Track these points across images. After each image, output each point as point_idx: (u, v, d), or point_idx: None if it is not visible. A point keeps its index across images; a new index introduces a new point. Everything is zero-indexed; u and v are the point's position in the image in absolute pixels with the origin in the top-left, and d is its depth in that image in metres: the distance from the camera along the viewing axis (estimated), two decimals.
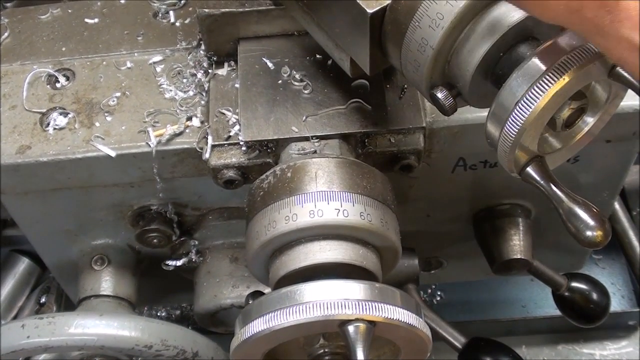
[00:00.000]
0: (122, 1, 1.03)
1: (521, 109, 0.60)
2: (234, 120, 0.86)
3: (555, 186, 0.63)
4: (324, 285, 0.68)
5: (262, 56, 0.90)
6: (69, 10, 1.02)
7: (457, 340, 1.05)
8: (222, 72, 0.92)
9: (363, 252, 0.76)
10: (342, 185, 0.76)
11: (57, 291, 1.43)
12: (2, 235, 1.42)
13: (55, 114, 0.91)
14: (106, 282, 1.05)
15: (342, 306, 0.66)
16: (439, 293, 1.49)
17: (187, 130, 0.89)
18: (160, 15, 1.01)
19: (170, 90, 0.92)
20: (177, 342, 0.96)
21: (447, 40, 0.65)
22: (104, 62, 0.96)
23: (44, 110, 0.91)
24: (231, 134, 0.86)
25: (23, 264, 1.46)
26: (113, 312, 1.02)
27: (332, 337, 0.75)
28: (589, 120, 0.68)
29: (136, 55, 0.96)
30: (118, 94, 0.92)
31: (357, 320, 0.66)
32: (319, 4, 0.76)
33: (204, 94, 0.91)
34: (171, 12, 1.00)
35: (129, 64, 0.95)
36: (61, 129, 0.90)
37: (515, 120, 0.61)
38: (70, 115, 0.91)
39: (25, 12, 1.03)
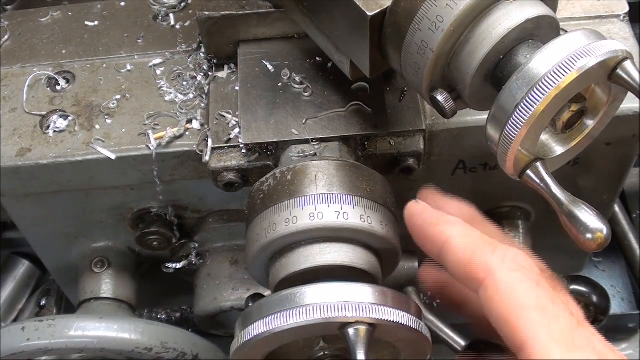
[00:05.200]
0: (122, 4, 1.03)
1: (521, 112, 0.60)
2: (234, 123, 0.86)
3: (555, 189, 0.63)
4: (324, 287, 0.68)
5: (262, 59, 0.90)
6: (69, 13, 1.03)
7: (457, 342, 1.05)
8: (222, 74, 0.92)
9: (363, 255, 0.76)
10: (342, 188, 0.76)
11: (57, 294, 1.44)
12: (2, 237, 1.42)
13: (55, 117, 0.91)
14: (106, 285, 1.05)
15: (342, 309, 0.66)
16: (438, 296, 1.49)
17: (187, 133, 0.89)
18: (160, 18, 1.01)
19: (170, 93, 0.92)
20: (177, 345, 0.96)
21: (447, 42, 0.65)
22: (104, 65, 0.96)
23: (44, 113, 0.91)
24: (231, 136, 0.86)
25: (23, 267, 1.46)
26: (113, 315, 1.02)
27: (332, 339, 0.75)
28: (589, 123, 0.68)
29: (136, 57, 0.96)
30: (118, 97, 0.92)
31: (357, 322, 0.66)
32: (319, 6, 0.76)
33: (204, 96, 0.91)
34: (171, 15, 1.00)
35: (129, 67, 0.95)
36: (61, 131, 0.90)
37: (515, 123, 0.61)
38: (70, 118, 0.91)
39: (26, 15, 1.03)
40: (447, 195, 0.74)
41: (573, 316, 0.58)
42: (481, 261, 0.61)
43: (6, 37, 1.00)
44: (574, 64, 0.59)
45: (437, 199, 0.74)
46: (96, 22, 1.01)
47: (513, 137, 0.62)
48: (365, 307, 0.67)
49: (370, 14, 0.69)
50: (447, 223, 0.66)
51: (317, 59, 0.89)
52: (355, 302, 0.67)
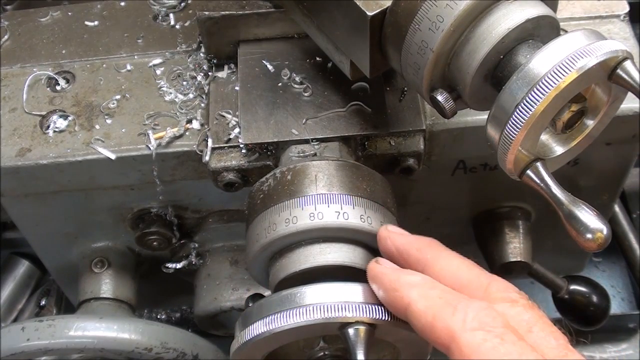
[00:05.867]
0: (122, 4, 1.03)
1: (521, 112, 0.60)
2: (234, 123, 0.86)
3: (555, 189, 0.63)
4: (324, 287, 0.68)
5: (262, 59, 0.90)
6: (69, 13, 1.03)
7: None
8: (222, 74, 0.92)
9: (363, 255, 0.76)
10: (342, 188, 0.76)
11: (57, 294, 1.43)
12: (2, 237, 1.42)
13: (55, 117, 0.91)
14: (106, 285, 1.05)
15: (342, 309, 0.66)
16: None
17: (187, 133, 0.89)
18: (160, 18, 1.01)
19: (170, 93, 0.92)
20: (177, 345, 0.96)
21: (447, 42, 0.65)
22: (104, 65, 0.96)
23: (44, 113, 0.91)
24: (231, 136, 0.86)
25: (23, 267, 1.46)
26: (113, 315, 1.02)
27: (332, 339, 0.75)
28: (589, 123, 0.68)
29: (136, 57, 0.96)
30: (118, 97, 0.92)
31: (357, 322, 0.66)
32: (319, 6, 0.76)
33: (204, 96, 0.91)
34: (171, 15, 1.00)
35: (129, 67, 0.95)
36: (61, 131, 0.90)
37: (515, 123, 0.61)
38: (70, 118, 0.91)
39: (26, 15, 1.03)
40: (407, 233, 0.73)
41: None
42: (443, 326, 0.59)
43: (6, 37, 1.00)
44: (574, 64, 0.59)
45: (397, 238, 0.72)
46: (96, 22, 1.01)
47: (513, 137, 0.62)
48: (366, 307, 0.67)
49: (370, 14, 0.69)
50: (407, 286, 0.64)
51: (317, 59, 0.89)
52: (355, 302, 0.67)
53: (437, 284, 0.64)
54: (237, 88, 0.89)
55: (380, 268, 0.69)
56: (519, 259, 1.05)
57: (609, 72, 0.61)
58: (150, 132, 0.88)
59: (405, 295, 0.64)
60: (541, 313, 0.62)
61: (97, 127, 0.90)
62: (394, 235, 0.72)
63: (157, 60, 0.96)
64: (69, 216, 0.99)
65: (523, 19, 0.64)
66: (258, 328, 0.68)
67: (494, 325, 0.58)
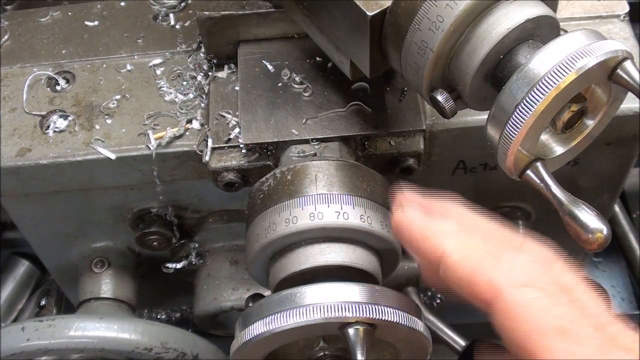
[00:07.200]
0: (122, 4, 1.03)
1: (521, 112, 0.60)
2: (234, 123, 0.86)
3: (555, 189, 0.63)
4: (324, 287, 0.68)
5: (262, 59, 0.90)
6: (69, 13, 1.03)
7: (457, 342, 1.05)
8: (222, 74, 0.92)
9: (363, 255, 0.76)
10: (342, 188, 0.76)
11: (57, 294, 1.43)
12: (2, 237, 1.42)
13: (55, 117, 0.91)
14: (106, 285, 1.05)
15: (342, 309, 0.66)
16: (439, 295, 1.49)
17: (187, 133, 0.89)
18: (160, 18, 1.01)
19: (170, 93, 0.92)
20: (177, 345, 0.96)
21: (447, 42, 0.65)
22: (104, 65, 0.96)
23: (44, 113, 0.91)
24: (231, 136, 0.86)
25: (23, 267, 1.46)
26: (113, 315, 1.02)
27: (332, 339, 0.75)
28: (589, 123, 0.68)
29: (136, 57, 0.96)
30: (118, 97, 0.92)
31: (357, 322, 0.66)
32: (319, 6, 0.76)
33: (204, 96, 0.91)
34: (171, 15, 1.00)
35: (129, 67, 0.95)
36: (61, 131, 0.90)
37: (515, 123, 0.61)
38: (70, 118, 0.91)
39: (26, 15, 1.03)
40: (431, 195, 0.64)
41: (598, 330, 0.49)
42: (485, 279, 0.51)
43: (6, 37, 1.00)
44: (574, 64, 0.59)
45: (421, 203, 0.64)
46: (96, 22, 1.01)
47: (513, 137, 0.62)
48: (366, 307, 0.67)
49: (370, 14, 0.69)
50: (439, 234, 0.56)
51: (317, 59, 0.89)
52: (355, 302, 0.67)
53: (474, 231, 0.56)
54: (237, 88, 0.89)
55: (408, 214, 0.60)
56: None
57: (609, 72, 0.61)
58: (150, 132, 0.88)
59: (438, 243, 0.55)
60: (581, 277, 0.55)
61: (97, 127, 0.90)
62: (408, 221, 0.62)
63: (157, 60, 0.96)
64: (69, 216, 0.99)
65: (523, 19, 0.64)
66: (258, 328, 0.68)
67: (544, 280, 0.50)
